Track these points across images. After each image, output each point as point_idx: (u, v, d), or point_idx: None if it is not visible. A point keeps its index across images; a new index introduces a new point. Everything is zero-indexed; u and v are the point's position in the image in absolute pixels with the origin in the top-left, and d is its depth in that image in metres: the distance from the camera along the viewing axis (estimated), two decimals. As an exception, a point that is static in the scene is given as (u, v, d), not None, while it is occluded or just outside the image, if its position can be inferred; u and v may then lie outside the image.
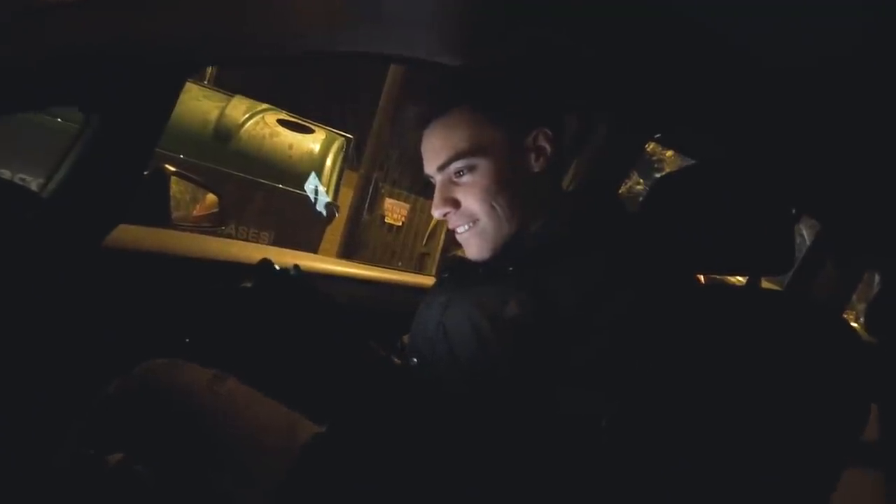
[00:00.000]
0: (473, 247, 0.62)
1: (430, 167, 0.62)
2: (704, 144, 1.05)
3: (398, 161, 4.49)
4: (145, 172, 0.95)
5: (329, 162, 2.78)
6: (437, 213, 0.60)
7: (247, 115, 2.66)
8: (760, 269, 0.66)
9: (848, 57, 0.60)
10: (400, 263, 4.30)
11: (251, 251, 1.01)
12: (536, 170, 0.60)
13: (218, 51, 0.83)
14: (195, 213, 1.23)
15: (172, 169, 1.04)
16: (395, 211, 4.45)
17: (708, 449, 0.55)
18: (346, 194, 3.80)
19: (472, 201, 0.59)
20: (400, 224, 4.45)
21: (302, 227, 2.57)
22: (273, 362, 0.59)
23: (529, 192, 0.60)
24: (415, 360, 0.63)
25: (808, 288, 1.33)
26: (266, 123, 2.71)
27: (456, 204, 0.59)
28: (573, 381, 0.49)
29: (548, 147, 0.60)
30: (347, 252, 3.98)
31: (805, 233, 1.61)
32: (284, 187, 2.54)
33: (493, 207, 0.59)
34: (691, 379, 0.52)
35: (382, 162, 4.32)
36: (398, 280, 1.12)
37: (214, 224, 1.23)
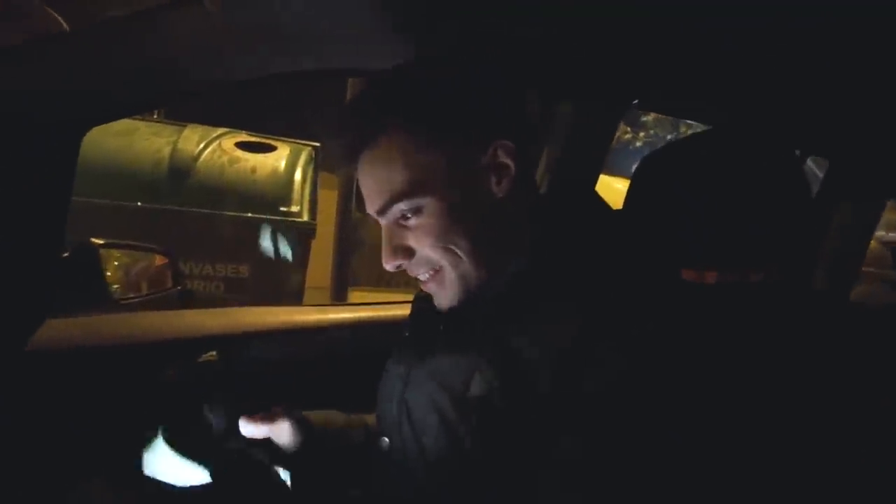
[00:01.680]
0: (443, 298, 0.51)
1: (370, 210, 0.51)
2: (688, 103, 0.93)
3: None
4: (65, 253, 0.83)
5: (298, 176, 2.64)
6: (389, 267, 0.50)
7: (201, 146, 2.51)
8: (768, 262, 0.55)
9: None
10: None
11: (206, 318, 0.90)
12: (501, 194, 0.48)
13: (113, 101, 0.70)
14: (147, 281, 1.12)
15: (100, 241, 0.93)
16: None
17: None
18: (331, 197, 3.67)
19: (426, 248, 0.48)
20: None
21: (281, 251, 2.46)
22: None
23: (498, 223, 0.48)
24: (385, 440, 0.54)
25: (827, 228, 1.22)
26: (224, 150, 2.56)
27: (409, 252, 0.49)
28: (559, 482, 0.40)
29: (510, 163, 0.48)
30: (343, 253, 3.87)
31: (811, 163, 1.48)
32: (254, 215, 2.41)
33: (453, 253, 0.48)
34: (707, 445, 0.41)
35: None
36: (390, 316, 1.01)
37: (171, 286, 1.12)
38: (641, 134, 7.16)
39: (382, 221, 0.51)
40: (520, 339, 0.44)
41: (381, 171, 0.48)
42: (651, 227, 0.58)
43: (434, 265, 0.49)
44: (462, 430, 0.45)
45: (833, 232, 1.19)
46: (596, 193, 0.59)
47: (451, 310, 0.51)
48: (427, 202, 0.47)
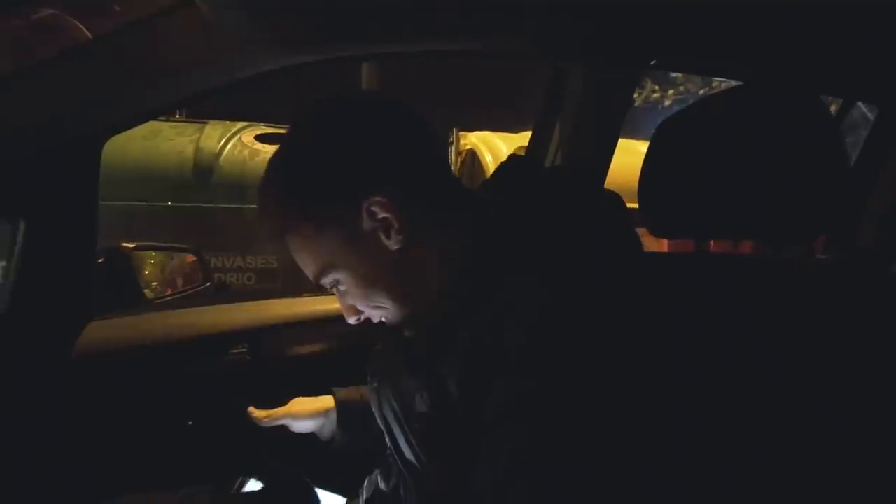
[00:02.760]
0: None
1: None
2: (713, 55, 0.85)
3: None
4: (100, 259, 0.88)
5: (319, 165, 2.66)
6: (351, 321, 0.55)
7: (223, 141, 2.56)
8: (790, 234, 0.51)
9: None
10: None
11: (236, 312, 0.93)
12: (396, 246, 0.49)
13: (117, 114, 0.72)
14: (182, 277, 1.16)
15: (131, 245, 0.96)
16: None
17: None
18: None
19: (362, 307, 0.53)
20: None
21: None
22: None
23: (408, 271, 0.50)
24: (389, 443, 0.58)
25: (874, 181, 1.12)
26: (244, 144, 2.60)
27: (358, 310, 0.54)
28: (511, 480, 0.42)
29: (388, 215, 0.48)
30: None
31: (863, 106, 1.35)
32: (280, 205, 2.45)
33: (380, 307, 0.52)
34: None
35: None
36: None
37: (201, 283, 1.16)
38: (671, 91, 6.71)
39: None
40: (441, 363, 0.48)
41: (297, 258, 0.52)
42: (672, 193, 0.55)
43: (378, 316, 0.54)
44: (415, 439, 0.51)
45: (881, 186, 1.10)
46: (552, 180, 0.56)
47: (401, 334, 0.55)
48: (340, 276, 0.51)
